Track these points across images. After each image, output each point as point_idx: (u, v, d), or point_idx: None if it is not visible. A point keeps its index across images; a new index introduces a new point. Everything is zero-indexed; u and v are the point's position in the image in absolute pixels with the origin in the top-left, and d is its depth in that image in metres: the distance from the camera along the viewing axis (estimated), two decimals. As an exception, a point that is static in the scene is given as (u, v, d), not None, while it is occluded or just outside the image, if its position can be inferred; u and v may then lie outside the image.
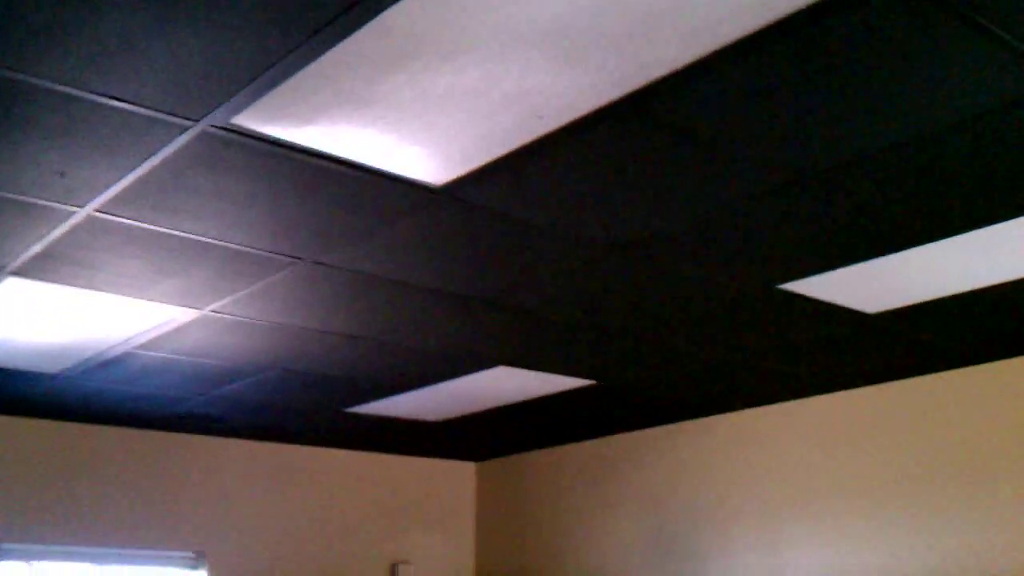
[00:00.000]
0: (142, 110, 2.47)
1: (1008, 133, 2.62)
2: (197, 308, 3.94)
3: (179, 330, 4.19)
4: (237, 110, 2.47)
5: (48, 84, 2.35)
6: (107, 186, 2.88)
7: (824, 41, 2.21)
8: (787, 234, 3.27)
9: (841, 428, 5.38)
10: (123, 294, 3.77)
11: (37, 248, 3.33)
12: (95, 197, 2.95)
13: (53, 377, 4.90)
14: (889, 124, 2.57)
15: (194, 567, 6.20)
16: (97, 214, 3.07)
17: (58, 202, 2.99)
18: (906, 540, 4.98)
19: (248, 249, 3.36)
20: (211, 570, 6.22)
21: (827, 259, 3.50)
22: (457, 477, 7.49)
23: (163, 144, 2.64)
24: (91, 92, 2.39)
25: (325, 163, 2.76)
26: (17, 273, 3.54)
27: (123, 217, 3.09)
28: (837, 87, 2.39)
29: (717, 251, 3.41)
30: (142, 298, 3.81)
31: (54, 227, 3.17)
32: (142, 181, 2.85)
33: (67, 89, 2.37)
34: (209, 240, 3.28)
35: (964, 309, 4.02)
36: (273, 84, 2.36)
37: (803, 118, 2.53)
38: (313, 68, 2.30)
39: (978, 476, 4.77)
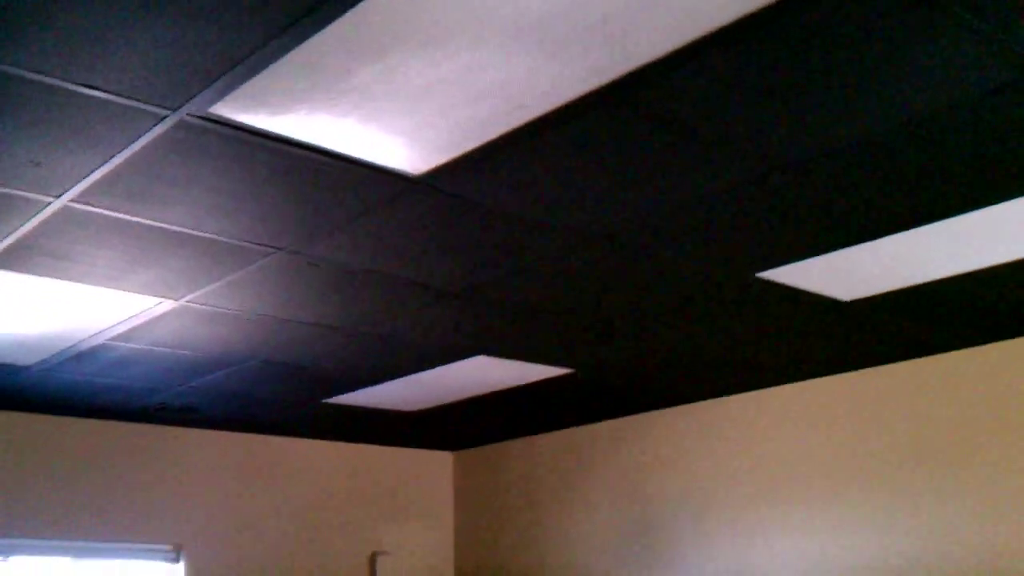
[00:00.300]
0: (119, 99, 2.44)
1: (984, 123, 2.64)
2: (173, 299, 3.92)
3: (155, 321, 4.17)
4: (215, 99, 2.46)
5: (23, 73, 2.33)
6: (83, 176, 2.86)
7: (804, 31, 2.21)
8: (765, 223, 3.29)
9: (817, 415, 5.41)
10: (98, 285, 3.74)
11: (11, 239, 3.29)
12: (71, 187, 2.93)
13: (27, 369, 4.86)
14: (868, 114, 2.58)
15: (172, 560, 6.17)
16: (72, 204, 3.04)
17: (33, 192, 2.96)
18: (882, 527, 5.03)
19: (225, 239, 3.34)
20: (189, 563, 6.19)
21: (804, 247, 3.51)
22: (435, 467, 7.49)
23: (140, 133, 2.62)
24: (67, 81, 2.36)
25: (303, 152, 2.74)
26: (-9, 264, 3.51)
27: (99, 207, 3.06)
28: (817, 76, 2.40)
29: (696, 240, 3.42)
30: (118, 289, 3.79)
31: (28, 217, 3.14)
32: (118, 171, 2.82)
33: (43, 78, 2.35)
34: (186, 230, 3.26)
35: (939, 296, 4.05)
36: (251, 73, 2.34)
37: (784, 107, 2.54)
38: (292, 57, 2.28)
39: (953, 463, 4.82)
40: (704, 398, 5.92)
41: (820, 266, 3.68)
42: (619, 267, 3.68)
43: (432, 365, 4.99)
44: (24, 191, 2.95)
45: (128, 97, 2.44)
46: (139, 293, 3.84)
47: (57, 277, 3.64)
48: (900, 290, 3.96)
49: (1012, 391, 4.67)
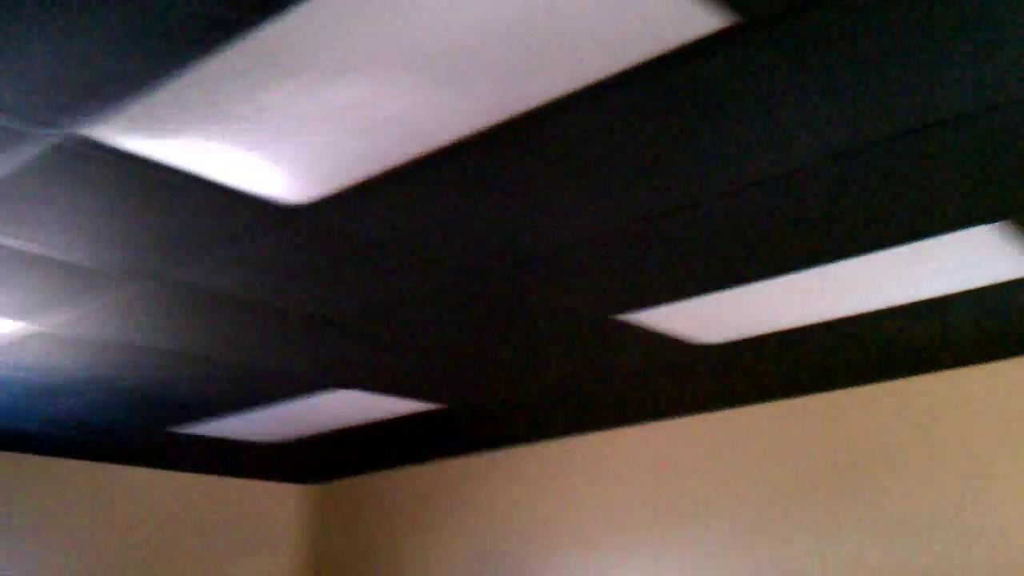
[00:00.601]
0: (-9, 116, 2.35)
1: (847, 179, 2.78)
2: (30, 323, 3.75)
3: (6, 346, 3.98)
4: (95, 122, 2.39)
5: None
6: (-57, 193, 2.73)
7: (682, 84, 2.30)
8: (633, 265, 3.37)
9: (674, 455, 5.54)
10: (-52, 306, 3.56)
11: None
12: (-71, 204, 2.79)
13: None
14: (736, 167, 2.69)
15: (6, 594, 5.88)
16: (-71, 221, 2.90)
17: None
18: (730, 566, 5.17)
19: (90, 263, 3.23)
20: (24, 597, 5.91)
21: (670, 291, 3.62)
22: (287, 500, 7.35)
23: (12, 153, 2.52)
24: (-63, 95, 2.26)
25: (183, 179, 2.69)
26: None
27: (-42, 226, 2.93)
28: (693, 129, 2.49)
29: (565, 279, 3.48)
30: (-31, 310, 3.62)
31: None
32: (-17, 189, 2.71)
33: (-90, 90, 2.24)
34: (50, 253, 3.14)
35: (794, 343, 4.22)
36: (136, 96, 2.29)
37: (659, 156, 2.63)
38: (180, 82, 2.24)
39: (798, 503, 5.00)
40: (568, 435, 6.00)
41: (683, 310, 3.79)
42: (492, 304, 3.71)
43: (296, 396, 4.91)
44: None
45: (2, 115, 2.34)
46: (-8, 315, 3.67)
47: (-97, 296, 3.46)
48: (759, 336, 4.11)
49: (864, 436, 4.88)
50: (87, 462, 6.33)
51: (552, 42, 2.14)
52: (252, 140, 2.50)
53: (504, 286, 3.53)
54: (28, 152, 2.51)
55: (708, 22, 2.07)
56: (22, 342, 3.95)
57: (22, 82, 2.22)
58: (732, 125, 2.48)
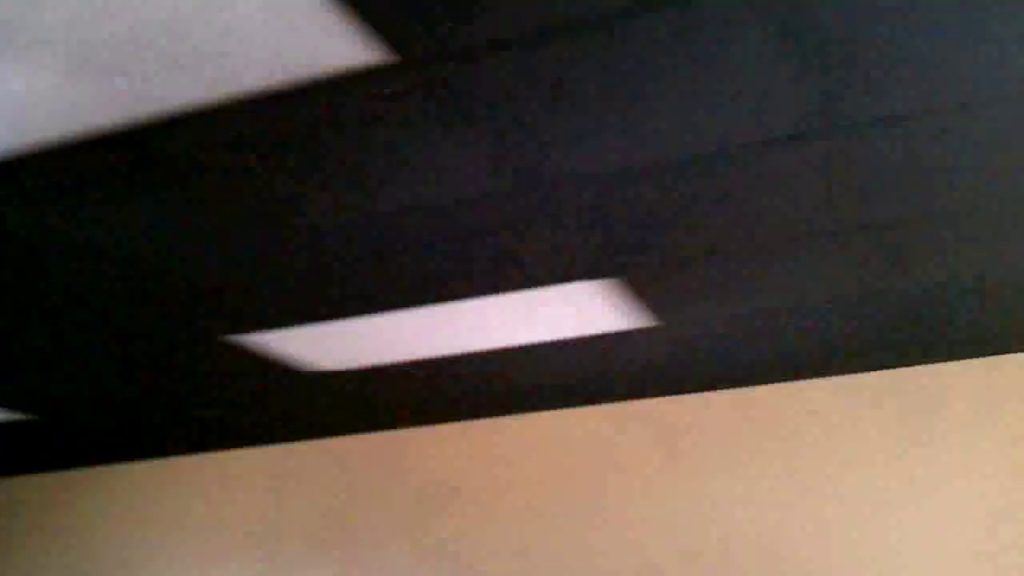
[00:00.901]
0: None
1: (472, 225, 2.90)
2: None
3: None
4: None
5: None
6: None
7: (333, 111, 2.32)
8: (244, 289, 3.33)
9: (275, 481, 5.49)
10: None
11: None
12: None
13: None
14: (367, 199, 2.73)
15: None
16: None
17: None
18: (329, 591, 5.19)
19: None
20: None
21: (278, 318, 3.60)
22: None
23: None
24: None
25: None
26: None
27: None
28: (325, 156, 2.51)
29: (171, 297, 3.37)
30: None
31: None
32: None
33: None
34: None
35: (402, 377, 4.33)
36: None
37: (289, 181, 2.62)
38: None
39: (386, 533, 5.12)
40: (173, 454, 5.77)
41: (293, 336, 3.78)
42: (95, 314, 3.52)
43: None
44: None
45: None
46: None
47: None
48: (368, 367, 4.19)
49: (451, 471, 5.08)
50: None
51: (200, 50, 2.08)
52: None
53: (109, 298, 3.35)
54: None
55: (362, 56, 2.11)
56: None
57: None
58: (364, 160, 2.52)
